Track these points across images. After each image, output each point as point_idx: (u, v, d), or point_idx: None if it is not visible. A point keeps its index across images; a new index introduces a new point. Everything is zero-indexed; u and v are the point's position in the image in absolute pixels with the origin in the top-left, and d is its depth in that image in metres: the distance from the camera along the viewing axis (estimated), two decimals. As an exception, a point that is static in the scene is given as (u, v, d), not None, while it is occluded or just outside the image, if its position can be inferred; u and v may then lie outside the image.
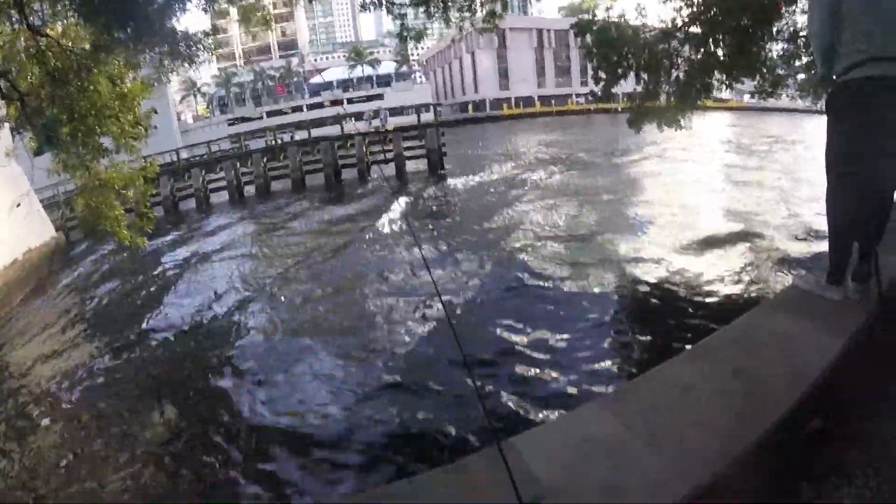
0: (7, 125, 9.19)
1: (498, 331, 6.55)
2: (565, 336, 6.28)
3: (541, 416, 4.55)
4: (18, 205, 13.97)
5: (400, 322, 7.44)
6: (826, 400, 1.94)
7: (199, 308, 9.65)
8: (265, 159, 24.27)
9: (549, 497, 1.41)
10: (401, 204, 17.71)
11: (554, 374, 5.37)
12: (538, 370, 5.55)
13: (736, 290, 7.57)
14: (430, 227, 13.93)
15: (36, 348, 9.21)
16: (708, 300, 7.32)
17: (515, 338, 6.34)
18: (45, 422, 6.27)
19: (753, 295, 7.25)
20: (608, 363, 5.73)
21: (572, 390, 5.03)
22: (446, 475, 1.64)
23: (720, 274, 8.23)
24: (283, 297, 9.56)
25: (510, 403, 4.89)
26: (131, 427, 5.67)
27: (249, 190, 24.33)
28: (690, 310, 6.94)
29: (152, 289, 11.96)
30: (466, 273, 9.41)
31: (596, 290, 8.06)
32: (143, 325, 9.25)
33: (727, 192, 15.40)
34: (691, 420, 1.71)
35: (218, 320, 8.93)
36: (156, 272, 13.56)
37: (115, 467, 5.02)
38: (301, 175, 24.05)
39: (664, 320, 6.71)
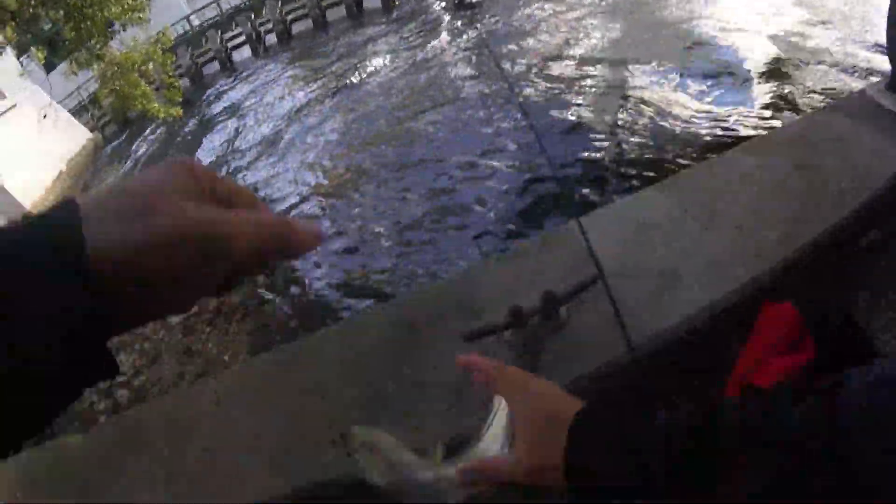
0: (9, 48, 8.60)
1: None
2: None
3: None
4: (45, 116, 13.54)
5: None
6: (887, 212, 1.82)
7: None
8: (279, 3, 20.49)
9: (609, 277, 1.22)
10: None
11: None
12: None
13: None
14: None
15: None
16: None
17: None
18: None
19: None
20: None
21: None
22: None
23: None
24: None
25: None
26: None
27: (270, 39, 20.99)
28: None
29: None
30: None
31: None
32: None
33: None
34: (751, 208, 1.54)
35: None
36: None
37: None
38: (321, 12, 20.31)
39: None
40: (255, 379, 1.53)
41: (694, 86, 5.90)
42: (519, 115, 6.02)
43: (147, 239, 0.25)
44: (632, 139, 5.13)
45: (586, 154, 5.00)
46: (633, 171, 4.50)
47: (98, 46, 7.69)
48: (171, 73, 9.61)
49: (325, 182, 6.55)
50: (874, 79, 3.64)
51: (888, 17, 2.09)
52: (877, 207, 1.81)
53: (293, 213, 6.14)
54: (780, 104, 5.24)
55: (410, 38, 12.96)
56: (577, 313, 1.30)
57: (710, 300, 1.31)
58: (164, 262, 0.25)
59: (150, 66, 9.00)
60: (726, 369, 1.45)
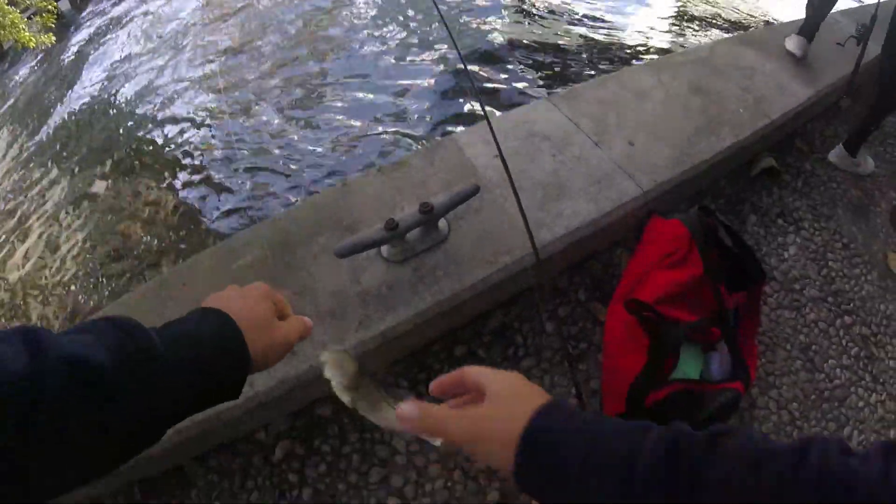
0: None
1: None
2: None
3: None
4: None
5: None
6: (782, 143, 1.85)
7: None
8: None
9: (490, 188, 1.15)
10: None
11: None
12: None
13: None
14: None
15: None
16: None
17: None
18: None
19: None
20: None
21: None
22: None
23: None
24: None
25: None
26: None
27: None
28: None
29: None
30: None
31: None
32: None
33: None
34: (644, 126, 1.50)
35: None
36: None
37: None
38: None
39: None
40: (128, 309, 1.39)
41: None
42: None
43: (271, 344, 0.52)
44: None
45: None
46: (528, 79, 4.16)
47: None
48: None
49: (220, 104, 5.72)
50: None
51: None
52: (773, 136, 1.84)
53: (188, 136, 5.20)
54: (685, 26, 5.24)
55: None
56: (458, 228, 1.23)
57: (597, 212, 1.28)
58: (274, 353, 0.53)
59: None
60: (610, 282, 1.44)
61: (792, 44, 2.01)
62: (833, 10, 2.04)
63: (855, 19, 2.11)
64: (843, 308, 1.75)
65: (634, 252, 1.39)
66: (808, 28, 2.00)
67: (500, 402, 0.44)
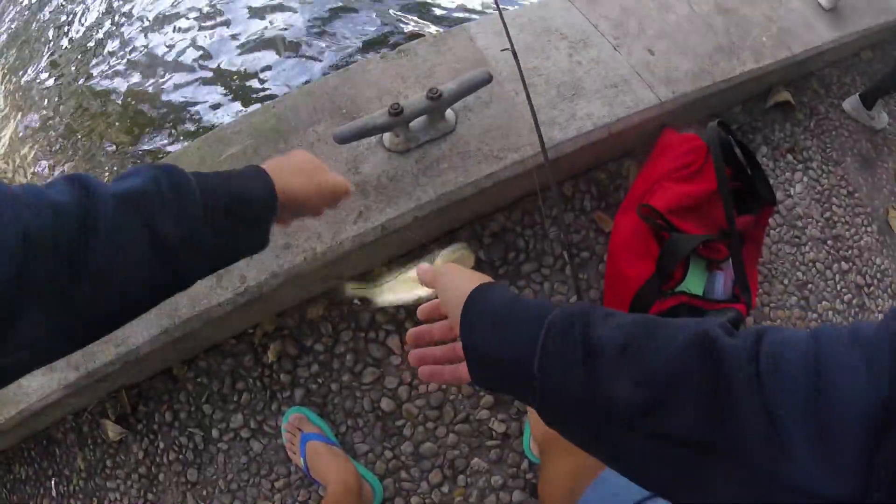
0: None
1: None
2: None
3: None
4: None
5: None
6: (800, 81, 1.78)
7: None
8: None
9: (501, 81, 1.07)
10: None
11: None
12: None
13: None
14: None
15: None
16: None
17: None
18: None
19: None
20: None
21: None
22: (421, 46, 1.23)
23: None
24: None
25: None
26: None
27: None
28: None
29: None
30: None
31: None
32: None
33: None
34: (666, 37, 1.42)
35: None
36: None
37: None
38: None
39: None
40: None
41: None
42: None
43: (308, 187, 0.61)
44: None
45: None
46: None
47: None
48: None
49: None
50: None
51: None
52: (792, 71, 1.77)
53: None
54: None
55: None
56: (465, 120, 1.16)
57: (612, 117, 1.21)
58: (311, 198, 0.62)
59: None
60: (616, 193, 1.40)
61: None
62: None
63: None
64: (841, 254, 1.74)
65: (644, 163, 1.33)
66: None
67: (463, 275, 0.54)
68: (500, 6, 1.07)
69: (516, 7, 1.41)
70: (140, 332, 1.10)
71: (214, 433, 1.24)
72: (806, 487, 0.27)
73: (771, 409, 0.29)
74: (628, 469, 0.39)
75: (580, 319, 0.41)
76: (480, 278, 0.52)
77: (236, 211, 0.51)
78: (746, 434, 0.30)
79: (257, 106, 1.54)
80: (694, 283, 1.27)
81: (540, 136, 0.98)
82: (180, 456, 1.25)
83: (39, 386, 1.14)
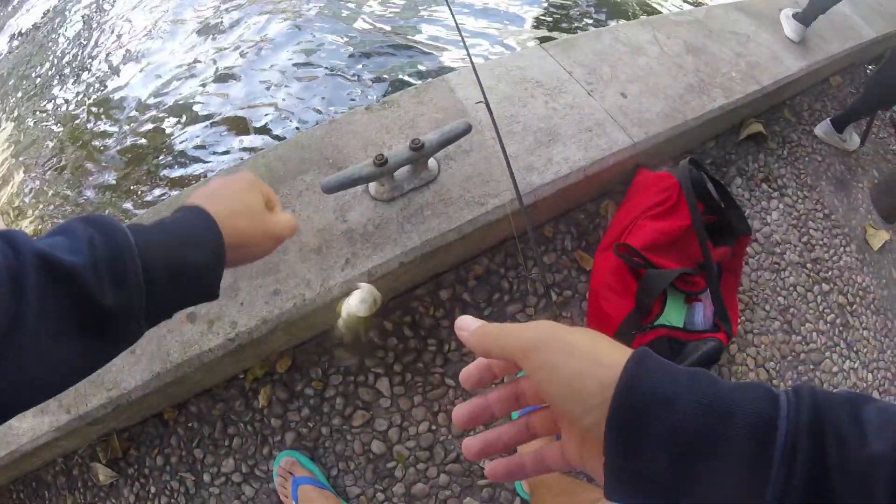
0: None
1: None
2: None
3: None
4: None
5: None
6: (771, 111, 1.86)
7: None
8: None
9: (481, 130, 1.13)
10: None
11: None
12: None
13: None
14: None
15: None
16: None
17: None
18: None
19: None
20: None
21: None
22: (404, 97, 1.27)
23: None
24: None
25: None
26: None
27: None
28: None
29: None
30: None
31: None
32: None
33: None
34: (638, 80, 1.49)
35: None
36: None
37: None
38: None
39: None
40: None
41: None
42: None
43: (261, 232, 0.57)
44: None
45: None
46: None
47: None
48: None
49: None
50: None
51: None
52: (762, 103, 1.85)
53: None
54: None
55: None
56: (447, 168, 1.21)
57: (587, 160, 1.27)
58: (257, 243, 0.57)
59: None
60: (595, 232, 1.44)
61: (789, 29, 2.01)
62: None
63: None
64: (821, 275, 1.79)
65: (621, 203, 1.38)
66: (809, 16, 2.00)
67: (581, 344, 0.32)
68: (472, 58, 1.13)
69: (494, 58, 1.48)
70: (132, 376, 1.12)
71: (206, 477, 1.25)
72: None
73: None
74: None
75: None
76: (613, 348, 0.31)
77: (182, 273, 0.47)
78: None
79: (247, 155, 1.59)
80: (673, 315, 1.31)
81: (514, 183, 1.02)
82: (171, 500, 1.25)
83: (30, 427, 1.15)
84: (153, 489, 1.26)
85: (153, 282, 0.44)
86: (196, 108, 3.21)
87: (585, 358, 0.30)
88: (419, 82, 2.17)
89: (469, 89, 1.29)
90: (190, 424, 1.29)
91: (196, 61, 3.65)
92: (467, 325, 0.36)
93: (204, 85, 3.37)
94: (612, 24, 1.67)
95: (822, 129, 2.06)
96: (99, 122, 3.46)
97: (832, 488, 0.25)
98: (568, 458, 0.34)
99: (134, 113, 3.44)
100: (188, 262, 0.47)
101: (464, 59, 3.02)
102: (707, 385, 0.28)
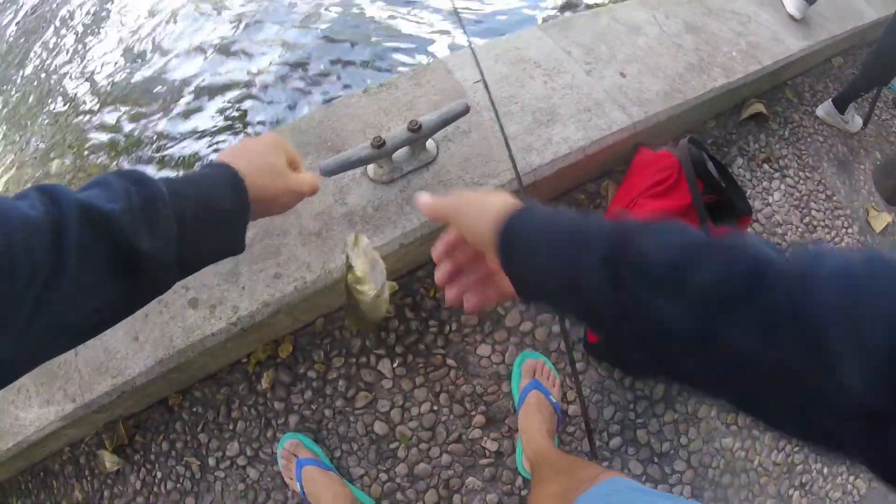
0: None
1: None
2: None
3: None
4: None
5: None
6: (772, 92, 1.84)
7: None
8: None
9: (480, 110, 1.12)
10: None
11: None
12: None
13: None
14: None
15: None
16: None
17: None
18: None
19: None
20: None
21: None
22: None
23: None
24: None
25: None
26: None
27: None
28: None
29: None
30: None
31: None
32: None
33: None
34: (637, 59, 1.48)
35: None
36: None
37: None
38: None
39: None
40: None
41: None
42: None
43: (283, 189, 0.59)
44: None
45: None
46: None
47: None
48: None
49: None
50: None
51: None
52: (763, 83, 1.83)
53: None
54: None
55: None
56: (446, 149, 1.21)
57: (587, 140, 1.26)
58: (279, 198, 0.59)
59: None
60: (599, 208, 1.44)
61: (791, 5, 1.99)
62: None
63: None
64: (822, 257, 1.78)
65: (622, 182, 1.38)
66: None
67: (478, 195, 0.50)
68: (471, 39, 1.13)
69: (492, 39, 1.47)
70: (136, 363, 1.13)
71: (211, 461, 1.26)
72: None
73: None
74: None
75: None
76: (498, 197, 0.48)
77: (210, 220, 0.50)
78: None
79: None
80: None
81: (514, 164, 1.02)
82: (178, 485, 1.26)
83: (37, 417, 1.16)
84: (159, 475, 1.27)
85: (184, 227, 0.47)
86: (188, 97, 3.18)
87: (479, 210, 0.47)
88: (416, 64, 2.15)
89: (467, 70, 1.29)
90: (194, 409, 1.30)
91: (198, 48, 3.62)
92: (424, 199, 0.52)
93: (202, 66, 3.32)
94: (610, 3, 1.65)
95: (824, 109, 2.04)
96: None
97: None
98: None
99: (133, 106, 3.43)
100: (216, 210, 0.51)
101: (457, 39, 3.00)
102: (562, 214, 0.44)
